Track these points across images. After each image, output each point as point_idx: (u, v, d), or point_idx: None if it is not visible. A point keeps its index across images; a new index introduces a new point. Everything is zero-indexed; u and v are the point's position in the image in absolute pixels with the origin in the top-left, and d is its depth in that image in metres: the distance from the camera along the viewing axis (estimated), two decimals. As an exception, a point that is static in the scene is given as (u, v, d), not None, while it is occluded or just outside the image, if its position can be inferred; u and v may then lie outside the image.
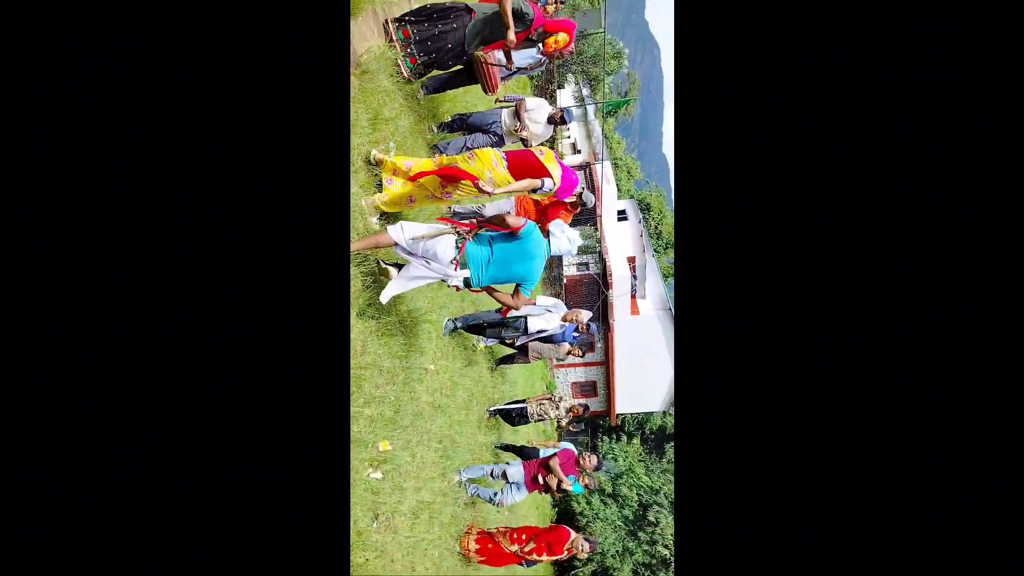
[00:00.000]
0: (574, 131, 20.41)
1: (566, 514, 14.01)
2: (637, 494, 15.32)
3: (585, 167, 17.09)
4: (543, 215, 4.05)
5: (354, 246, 2.59)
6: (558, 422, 5.40)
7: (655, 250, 19.48)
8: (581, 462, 4.13)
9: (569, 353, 5.21)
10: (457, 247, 2.53)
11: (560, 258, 13.82)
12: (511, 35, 3.13)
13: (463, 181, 2.73)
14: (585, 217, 14.65)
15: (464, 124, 4.08)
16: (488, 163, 2.77)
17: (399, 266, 2.81)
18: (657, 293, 16.30)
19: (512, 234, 2.56)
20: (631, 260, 16.70)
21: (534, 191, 2.95)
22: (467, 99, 4.84)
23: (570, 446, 4.40)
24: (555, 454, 4.16)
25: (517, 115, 3.80)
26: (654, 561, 13.77)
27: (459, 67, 3.49)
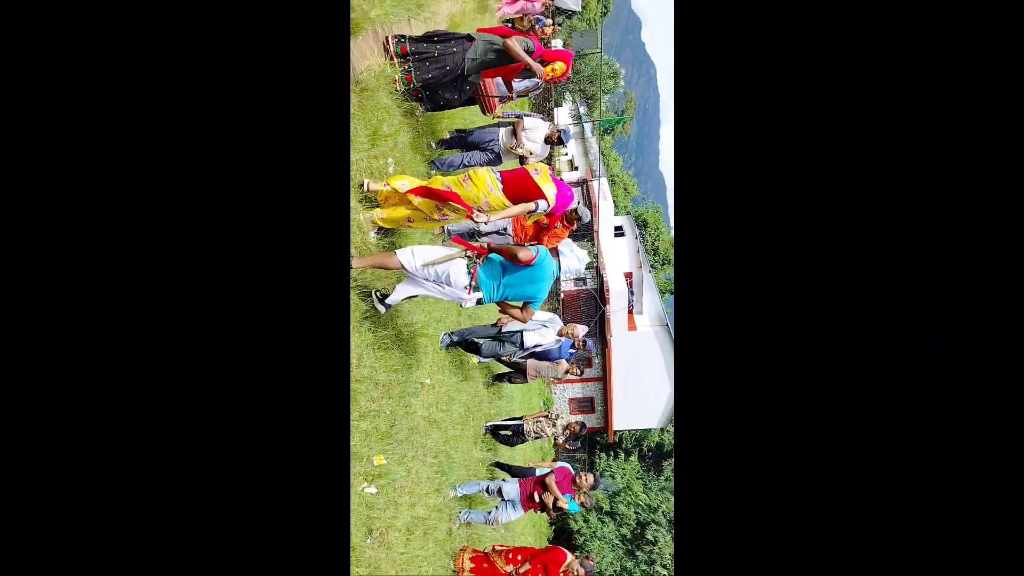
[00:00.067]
0: (571, 148, 20.64)
1: (563, 532, 13.82)
2: (635, 512, 15.14)
3: (582, 184, 17.24)
4: (540, 231, 4.09)
5: (357, 263, 2.59)
6: (555, 440, 5.37)
7: (652, 266, 19.54)
8: (577, 480, 4.10)
9: (567, 372, 5.21)
10: (469, 271, 2.57)
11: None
12: (538, 70, 3.27)
13: (459, 206, 2.77)
14: (582, 233, 14.73)
15: (462, 141, 4.14)
16: (484, 187, 2.79)
17: (384, 300, 2.83)
18: (654, 309, 16.33)
19: None
20: (628, 276, 16.76)
21: (529, 213, 2.99)
22: (465, 115, 4.91)
23: (566, 464, 4.37)
24: (551, 472, 4.14)
25: (515, 134, 3.87)
26: (652, 581, 13.56)
27: (458, 101, 3.55)
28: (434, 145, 4.13)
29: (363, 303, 2.85)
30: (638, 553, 14.27)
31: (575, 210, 3.80)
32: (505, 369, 5.60)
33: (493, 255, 2.66)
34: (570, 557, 3.82)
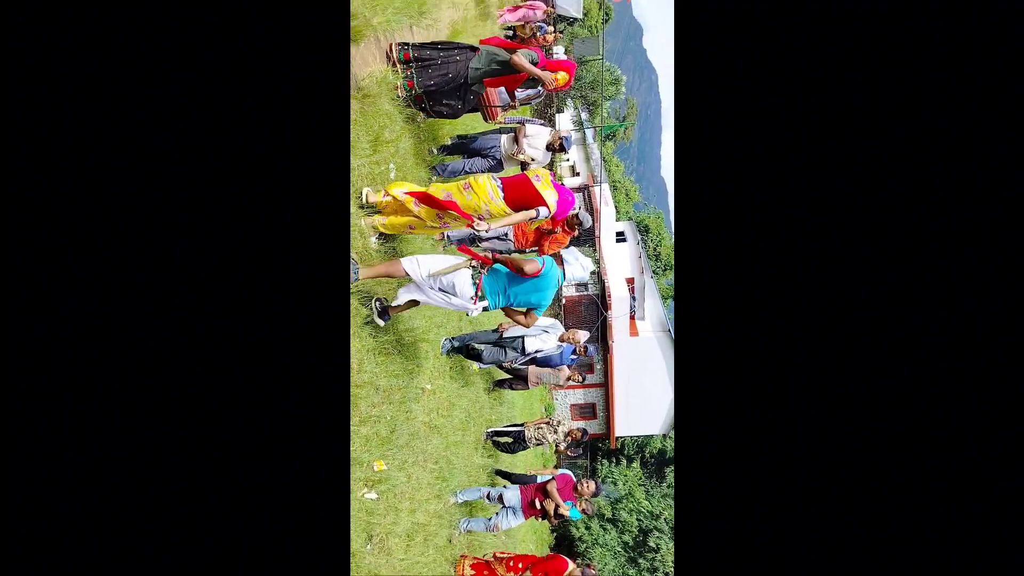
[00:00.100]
0: (573, 154, 20.70)
1: (565, 539, 13.74)
2: (637, 519, 15.05)
3: (584, 189, 17.27)
4: (542, 237, 4.10)
5: (364, 274, 2.60)
6: (556, 447, 5.35)
7: (654, 271, 19.55)
8: (579, 488, 4.08)
9: (569, 379, 5.20)
10: (474, 281, 2.59)
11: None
12: (548, 79, 3.31)
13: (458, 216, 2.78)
14: (583, 238, 14.74)
15: (464, 147, 4.16)
16: (484, 195, 2.80)
17: (384, 313, 2.83)
18: (656, 314, 16.31)
19: None
20: (630, 281, 16.75)
21: (530, 220, 2.99)
22: (467, 121, 4.94)
23: (568, 471, 4.36)
24: (552, 479, 4.12)
25: (516, 140, 3.88)
26: (655, 589, 13.47)
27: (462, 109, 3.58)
28: (435, 151, 4.15)
29: (364, 308, 2.85)
30: (640, 561, 14.17)
31: (576, 215, 3.81)
32: (506, 375, 5.59)
33: (498, 266, 2.66)
34: (571, 565, 3.80)
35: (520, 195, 2.87)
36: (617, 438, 16.57)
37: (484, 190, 2.81)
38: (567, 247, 3.79)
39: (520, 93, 4.27)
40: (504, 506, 4.14)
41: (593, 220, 14.85)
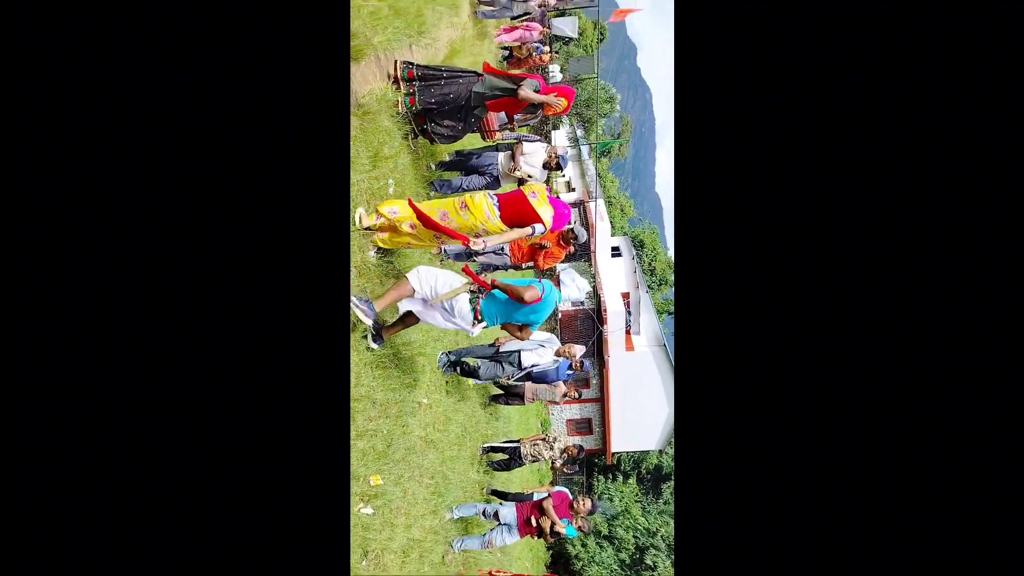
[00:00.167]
0: (569, 170, 20.90)
1: (561, 557, 13.55)
2: (634, 536, 14.88)
3: (579, 204, 17.40)
4: (536, 251, 4.14)
5: (379, 306, 2.70)
6: (552, 463, 5.32)
7: (649, 286, 19.61)
8: (575, 505, 4.06)
9: (565, 395, 5.19)
10: (472, 305, 2.69)
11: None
12: (555, 102, 3.41)
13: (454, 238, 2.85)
14: (579, 253, 14.81)
15: (462, 164, 4.21)
16: (480, 215, 2.84)
17: (378, 336, 2.86)
18: (651, 329, 16.32)
19: None
20: (625, 296, 16.80)
21: (526, 236, 3.04)
22: (466, 138, 5.00)
23: (564, 489, 4.34)
24: (548, 496, 4.10)
25: (513, 157, 3.94)
26: (652, 608, 13.27)
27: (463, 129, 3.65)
28: (434, 167, 4.20)
29: (361, 323, 2.86)
30: (637, 579, 13.97)
31: (571, 230, 3.85)
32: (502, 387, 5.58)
33: (497, 292, 2.73)
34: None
35: (516, 212, 2.91)
36: (613, 453, 16.45)
37: (480, 209, 2.85)
38: (563, 262, 3.83)
39: (519, 116, 4.36)
40: (500, 523, 4.10)
41: (589, 235, 14.93)
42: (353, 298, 2.60)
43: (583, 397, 14.95)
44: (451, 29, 5.65)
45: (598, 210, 18.13)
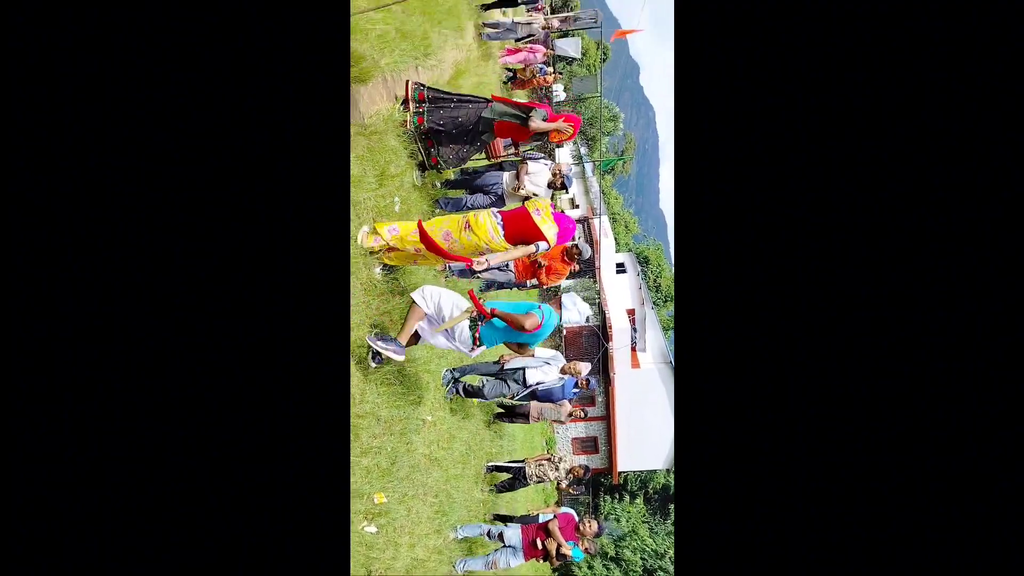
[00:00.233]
0: (573, 187, 21.03)
1: (567, 580, 13.26)
2: (641, 558, 14.57)
3: (584, 221, 17.48)
4: (538, 268, 4.15)
5: (403, 339, 2.79)
6: (558, 484, 5.25)
7: (654, 303, 19.55)
8: (581, 527, 4.00)
9: (570, 414, 5.15)
10: (472, 332, 2.78)
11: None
12: (563, 128, 3.52)
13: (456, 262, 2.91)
14: (584, 270, 14.81)
15: (468, 182, 4.26)
16: (484, 235, 2.88)
17: (377, 355, 2.90)
18: (657, 346, 16.21)
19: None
20: (631, 312, 16.73)
21: (529, 255, 3.07)
22: (469, 157, 5.06)
23: (570, 510, 4.27)
24: (554, 518, 4.04)
25: (518, 176, 3.99)
26: (661, 633, 12.93)
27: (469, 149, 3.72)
28: (439, 184, 4.25)
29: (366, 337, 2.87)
30: (645, 602, 13.64)
31: (576, 246, 3.86)
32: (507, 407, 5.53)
33: (497, 321, 2.79)
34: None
35: (520, 230, 2.93)
36: (620, 473, 16.21)
37: (484, 229, 2.88)
38: (568, 278, 3.85)
39: (526, 146, 4.47)
40: (504, 544, 4.04)
41: (593, 251, 14.96)
42: (378, 342, 2.70)
43: (588, 415, 14.80)
44: (456, 51, 5.77)
45: (602, 226, 18.19)
